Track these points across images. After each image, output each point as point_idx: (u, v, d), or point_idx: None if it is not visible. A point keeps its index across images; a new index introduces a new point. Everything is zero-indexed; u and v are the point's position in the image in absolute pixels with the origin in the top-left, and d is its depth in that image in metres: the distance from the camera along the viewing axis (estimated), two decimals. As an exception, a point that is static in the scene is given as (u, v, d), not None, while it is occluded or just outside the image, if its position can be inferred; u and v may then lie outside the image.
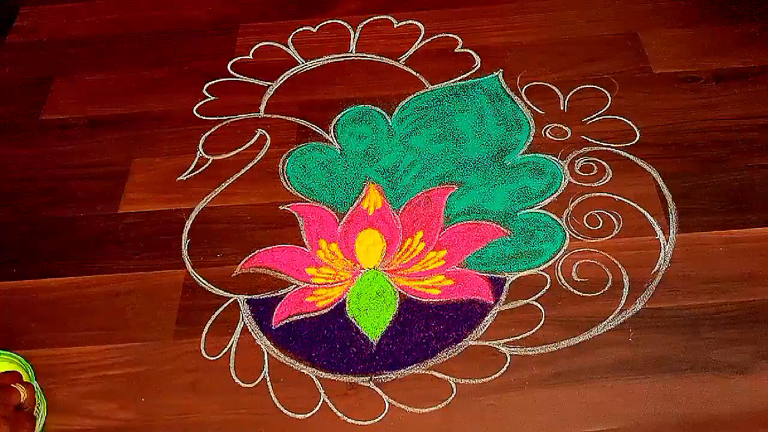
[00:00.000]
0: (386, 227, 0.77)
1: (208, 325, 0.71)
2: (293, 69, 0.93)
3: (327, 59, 0.94)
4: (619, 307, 0.70)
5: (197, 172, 0.83)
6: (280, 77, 0.92)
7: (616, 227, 0.75)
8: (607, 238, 0.75)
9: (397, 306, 0.72)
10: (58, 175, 0.84)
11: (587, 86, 0.88)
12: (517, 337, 0.69)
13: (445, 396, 0.66)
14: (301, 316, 0.72)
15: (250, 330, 0.71)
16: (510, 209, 0.78)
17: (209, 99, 0.90)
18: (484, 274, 0.73)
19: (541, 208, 0.78)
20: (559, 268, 0.73)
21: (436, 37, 0.95)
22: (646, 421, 0.64)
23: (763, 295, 0.70)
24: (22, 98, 0.92)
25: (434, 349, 0.69)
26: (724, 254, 0.73)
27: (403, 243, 0.76)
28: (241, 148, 0.85)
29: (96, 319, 0.72)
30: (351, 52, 0.94)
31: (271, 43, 0.96)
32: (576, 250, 0.74)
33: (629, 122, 0.84)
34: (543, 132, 0.84)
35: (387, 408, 0.66)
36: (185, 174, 0.83)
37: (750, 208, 0.76)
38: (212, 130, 0.87)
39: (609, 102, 0.86)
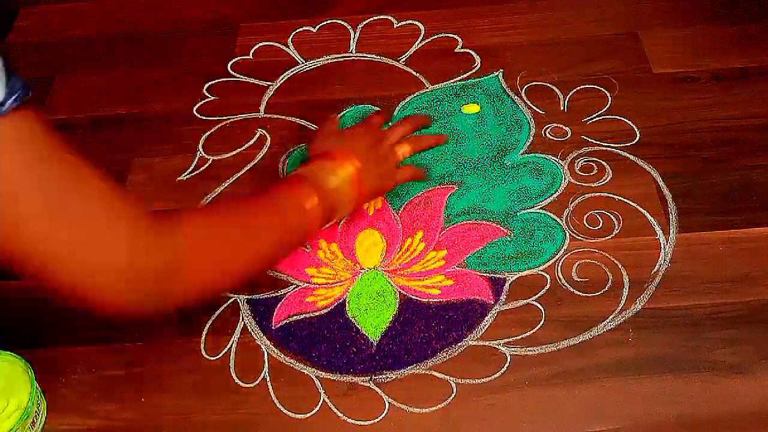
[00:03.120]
0: (386, 227, 0.77)
1: (208, 325, 0.71)
2: (293, 69, 0.93)
3: (327, 59, 0.94)
4: (619, 307, 0.70)
5: (197, 172, 0.83)
6: (280, 77, 0.92)
7: (616, 227, 0.75)
8: (607, 238, 0.75)
9: (397, 306, 0.72)
10: (58, 175, 0.83)
11: (587, 86, 0.88)
12: (517, 337, 0.69)
13: (445, 396, 0.66)
14: (301, 316, 0.72)
15: (250, 330, 0.71)
16: (510, 209, 0.78)
17: (209, 99, 0.90)
18: (484, 274, 0.73)
19: (541, 208, 0.78)
20: (559, 268, 0.73)
21: (436, 37, 0.95)
22: (646, 421, 0.64)
23: (763, 295, 0.70)
24: (22, 98, 0.92)
25: (434, 349, 0.69)
26: (724, 254, 0.73)
27: (403, 243, 0.76)
28: (241, 148, 0.85)
29: (96, 319, 0.72)
30: (351, 52, 0.94)
31: (271, 43, 0.96)
32: (576, 250, 0.74)
33: (629, 122, 0.84)
34: (543, 132, 0.84)
35: (387, 408, 0.66)
36: (185, 174, 0.83)
37: (750, 208, 0.76)
38: (212, 130, 0.87)
39: (609, 102, 0.86)
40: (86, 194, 0.47)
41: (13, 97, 0.43)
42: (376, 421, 0.65)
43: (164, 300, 0.52)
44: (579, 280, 0.72)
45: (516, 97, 0.87)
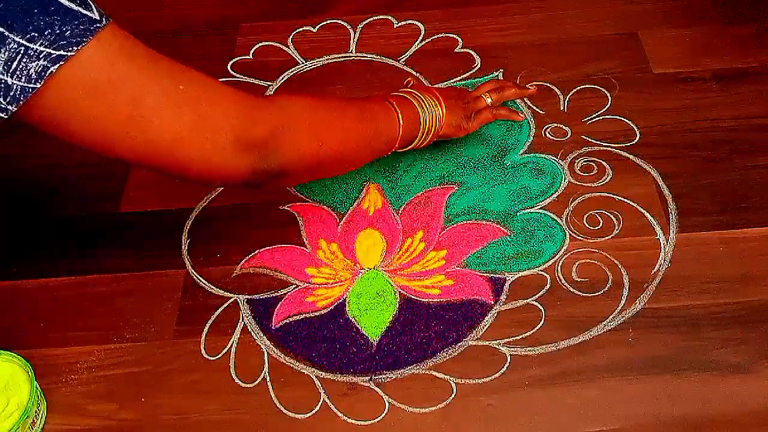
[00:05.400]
0: (386, 227, 0.77)
1: (208, 325, 0.71)
2: (293, 69, 0.93)
3: (327, 59, 0.94)
4: (619, 307, 0.70)
5: (197, 172, 0.83)
6: (280, 77, 0.92)
7: (616, 227, 0.75)
8: (607, 238, 0.75)
9: (397, 306, 0.72)
10: (58, 175, 0.84)
11: (587, 86, 0.88)
12: (517, 337, 0.69)
13: (445, 396, 0.66)
14: (301, 316, 0.72)
15: (250, 330, 0.71)
16: (510, 209, 0.78)
17: (209, 99, 0.90)
18: (484, 274, 0.73)
19: (541, 208, 0.78)
20: (559, 268, 0.73)
21: (436, 37, 0.95)
22: (646, 421, 0.64)
23: (763, 295, 0.70)
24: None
25: (434, 349, 0.69)
26: (724, 254, 0.73)
27: (403, 243, 0.76)
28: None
29: (96, 319, 0.72)
30: (351, 52, 0.94)
31: (271, 43, 0.96)
32: (576, 250, 0.74)
33: (629, 122, 0.84)
34: (543, 132, 0.84)
35: (387, 408, 0.66)
36: (185, 174, 0.83)
37: (750, 208, 0.76)
38: (212, 130, 0.87)
39: (609, 102, 0.86)
40: (193, 83, 0.55)
41: (106, 15, 0.50)
42: (376, 421, 0.65)
43: (271, 163, 0.59)
44: (579, 280, 0.72)
45: (516, 97, 0.87)
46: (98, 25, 0.49)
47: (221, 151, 0.56)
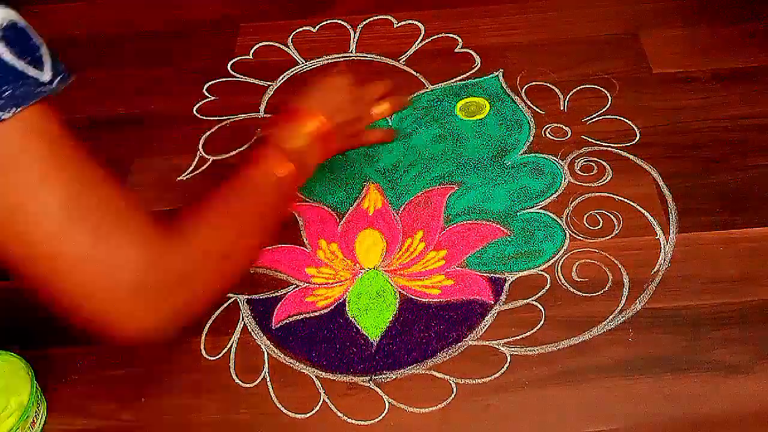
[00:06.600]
0: (386, 227, 0.77)
1: (208, 325, 0.71)
2: (293, 69, 0.93)
3: (327, 59, 0.94)
4: (619, 307, 0.70)
5: (197, 172, 0.83)
6: (280, 77, 0.92)
7: (616, 227, 0.75)
8: (607, 238, 0.75)
9: (397, 306, 0.72)
10: (58, 175, 0.83)
11: (587, 86, 0.88)
12: (517, 337, 0.69)
13: (445, 396, 0.66)
14: (301, 316, 0.72)
15: (250, 330, 0.71)
16: (510, 209, 0.78)
17: (209, 99, 0.90)
18: (484, 274, 0.73)
19: (541, 208, 0.78)
20: (559, 268, 0.73)
21: (436, 37, 0.95)
22: (646, 421, 0.63)
23: (763, 295, 0.70)
24: (22, 98, 0.91)
25: (434, 349, 0.69)
26: (724, 254, 0.73)
27: (403, 243, 0.76)
28: (241, 148, 0.85)
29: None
30: (351, 52, 0.94)
31: (271, 43, 0.96)
32: (576, 250, 0.74)
33: (629, 122, 0.84)
34: (543, 132, 0.84)
35: (387, 408, 0.66)
36: (185, 174, 0.83)
37: (750, 208, 0.76)
38: (212, 130, 0.87)
39: (609, 102, 0.86)
40: (104, 202, 0.45)
41: (59, 78, 0.44)
42: (375, 421, 0.65)
43: (176, 313, 0.49)
44: (579, 280, 0.72)
45: (516, 97, 0.87)
46: (36, 96, 0.43)
47: (115, 294, 0.45)
